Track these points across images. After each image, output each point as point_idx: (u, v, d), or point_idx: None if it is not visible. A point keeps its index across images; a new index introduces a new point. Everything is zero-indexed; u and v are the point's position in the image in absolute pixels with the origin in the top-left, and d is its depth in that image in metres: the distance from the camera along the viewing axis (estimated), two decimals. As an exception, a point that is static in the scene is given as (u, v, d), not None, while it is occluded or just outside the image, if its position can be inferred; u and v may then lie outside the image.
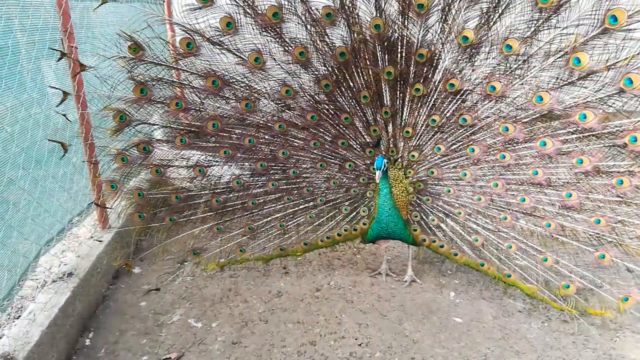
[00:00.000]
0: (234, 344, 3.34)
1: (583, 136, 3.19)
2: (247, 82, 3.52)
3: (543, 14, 3.04)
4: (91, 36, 4.18)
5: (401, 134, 3.74)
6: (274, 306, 3.76)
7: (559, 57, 3.07)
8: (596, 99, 3.05)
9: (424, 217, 3.83)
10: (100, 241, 4.00)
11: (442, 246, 3.78)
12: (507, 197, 3.54)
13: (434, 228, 3.80)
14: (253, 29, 3.32)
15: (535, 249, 3.51)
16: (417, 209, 3.83)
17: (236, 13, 3.25)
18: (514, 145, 3.42)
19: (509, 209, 3.56)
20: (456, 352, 3.24)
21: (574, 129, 3.18)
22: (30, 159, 3.25)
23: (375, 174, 3.50)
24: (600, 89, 3.01)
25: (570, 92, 3.14)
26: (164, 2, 6.25)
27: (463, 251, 3.72)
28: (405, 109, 3.65)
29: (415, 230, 3.81)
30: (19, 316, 3.07)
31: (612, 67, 2.91)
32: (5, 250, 2.96)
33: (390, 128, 3.75)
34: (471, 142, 3.54)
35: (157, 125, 3.62)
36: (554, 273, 3.49)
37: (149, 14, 3.21)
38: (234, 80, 3.51)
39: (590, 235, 3.37)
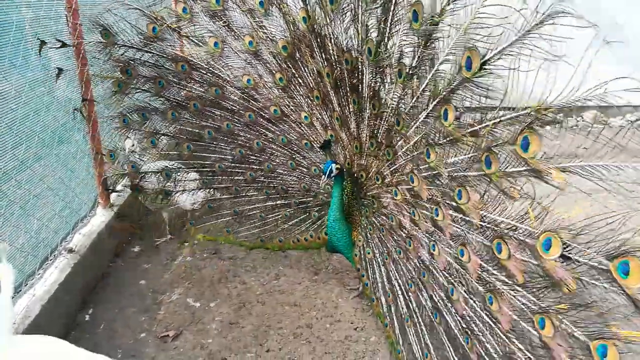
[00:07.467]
0: (231, 324, 3.38)
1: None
2: (211, 68, 3.58)
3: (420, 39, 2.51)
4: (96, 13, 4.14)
5: (352, 146, 3.35)
6: (272, 288, 3.79)
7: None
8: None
9: (364, 245, 3.37)
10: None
11: (366, 284, 3.35)
12: (414, 261, 2.91)
13: (367, 261, 3.34)
14: (205, 16, 3.46)
15: (432, 341, 2.80)
16: (362, 234, 3.40)
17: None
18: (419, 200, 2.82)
19: (414, 277, 2.92)
20: (450, 339, 3.27)
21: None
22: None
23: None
24: None
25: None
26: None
27: (379, 301, 3.20)
28: (352, 120, 3.25)
29: (355, 255, 3.43)
30: (20, 290, 3.11)
31: None
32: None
33: (344, 136, 3.35)
34: (396, 182, 3.04)
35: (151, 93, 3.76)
36: None
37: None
38: (200, 66, 3.59)
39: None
